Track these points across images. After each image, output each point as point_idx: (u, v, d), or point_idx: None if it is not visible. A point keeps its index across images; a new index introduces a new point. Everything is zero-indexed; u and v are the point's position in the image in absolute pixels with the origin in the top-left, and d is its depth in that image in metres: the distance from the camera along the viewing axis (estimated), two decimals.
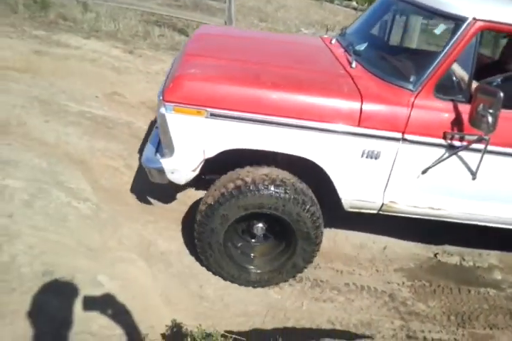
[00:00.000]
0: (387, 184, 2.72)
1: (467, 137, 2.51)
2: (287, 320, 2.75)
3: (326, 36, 3.77)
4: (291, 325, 2.72)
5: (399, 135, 2.52)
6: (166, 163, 2.60)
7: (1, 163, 2.89)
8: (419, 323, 2.89)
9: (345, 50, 3.12)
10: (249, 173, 2.66)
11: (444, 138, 2.53)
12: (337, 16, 12.15)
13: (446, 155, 2.58)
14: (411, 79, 2.55)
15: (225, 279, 2.90)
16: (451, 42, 2.45)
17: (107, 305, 2.12)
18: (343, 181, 2.69)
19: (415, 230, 3.60)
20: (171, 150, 2.58)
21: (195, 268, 2.91)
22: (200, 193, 3.38)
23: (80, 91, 4.65)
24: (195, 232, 2.73)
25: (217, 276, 2.90)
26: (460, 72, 2.61)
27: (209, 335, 1.98)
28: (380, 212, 2.89)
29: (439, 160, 2.60)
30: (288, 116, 2.48)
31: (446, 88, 2.57)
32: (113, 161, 3.58)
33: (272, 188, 2.57)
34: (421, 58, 2.91)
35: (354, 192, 2.75)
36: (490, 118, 2.25)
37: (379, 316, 2.89)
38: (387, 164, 2.63)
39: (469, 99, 2.47)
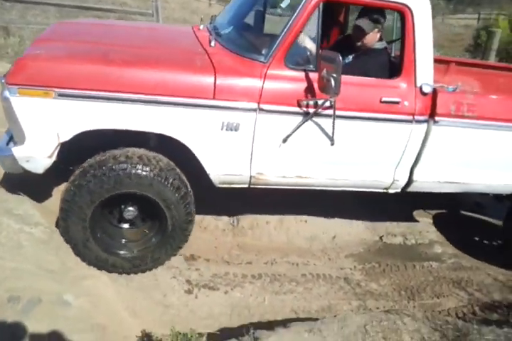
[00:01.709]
0: (251, 156, 2.78)
1: (318, 102, 2.68)
2: (252, 316, 2.88)
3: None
4: (256, 320, 2.85)
5: (255, 105, 2.62)
6: (18, 151, 2.48)
7: None
8: (374, 301, 3.12)
9: (210, 34, 3.21)
10: (105, 154, 2.61)
11: (299, 105, 2.68)
12: None
13: (302, 122, 2.70)
14: (262, 52, 2.71)
15: (99, 268, 2.79)
16: (295, 14, 2.64)
17: (78, 321, 2.16)
18: (208, 156, 2.71)
19: (360, 217, 3.86)
20: (22, 136, 2.46)
21: (156, 278, 2.96)
22: None
23: None
24: (60, 227, 2.68)
25: (179, 284, 2.98)
26: (309, 43, 2.76)
27: (185, 335, 2.07)
28: (252, 186, 2.95)
29: (297, 128, 2.72)
30: (139, 93, 2.45)
31: (297, 58, 2.74)
32: (58, 185, 3.55)
33: (120, 166, 2.54)
34: (272, 34, 3.07)
35: (220, 166, 2.78)
36: (333, 82, 2.43)
37: (337, 300, 3.09)
38: (247, 135, 2.69)
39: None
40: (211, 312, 2.86)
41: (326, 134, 2.78)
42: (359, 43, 3.10)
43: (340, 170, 2.99)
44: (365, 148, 2.93)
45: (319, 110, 2.68)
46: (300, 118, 2.71)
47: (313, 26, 2.67)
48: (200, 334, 2.30)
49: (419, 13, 2.78)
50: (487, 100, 3.10)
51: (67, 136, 2.52)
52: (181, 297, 2.91)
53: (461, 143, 3.01)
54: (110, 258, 2.79)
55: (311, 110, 2.69)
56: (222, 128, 2.63)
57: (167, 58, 2.67)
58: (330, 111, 2.66)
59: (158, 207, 2.70)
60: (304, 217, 3.74)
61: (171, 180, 2.65)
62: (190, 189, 2.81)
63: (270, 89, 2.64)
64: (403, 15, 2.80)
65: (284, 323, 2.48)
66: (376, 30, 3.03)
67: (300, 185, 3.03)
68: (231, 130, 2.64)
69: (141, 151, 2.69)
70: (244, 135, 2.69)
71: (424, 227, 4.00)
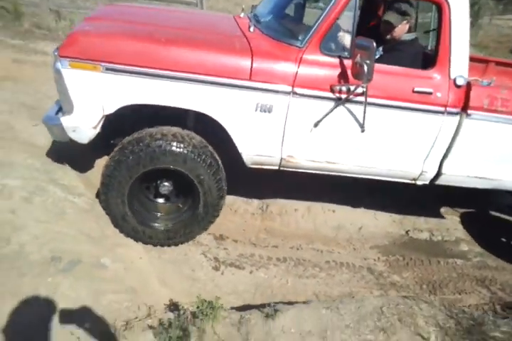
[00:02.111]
0: (283, 138, 2.86)
1: (350, 88, 2.71)
2: (274, 296, 2.99)
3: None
4: (278, 300, 2.95)
5: (288, 88, 2.69)
6: (66, 121, 2.66)
7: None
8: (395, 292, 3.17)
9: (249, 21, 3.31)
10: (142, 132, 2.78)
11: (331, 91, 2.74)
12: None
13: (334, 107, 2.77)
14: (299, 37, 2.78)
15: (136, 240, 2.98)
16: (332, 1, 2.69)
17: (112, 283, 2.33)
18: (241, 136, 2.82)
19: (387, 210, 3.91)
20: (70, 107, 2.63)
21: (186, 253, 3.13)
22: None
23: None
24: (100, 200, 2.87)
25: (208, 261, 3.13)
26: (345, 30, 2.83)
27: (210, 303, 2.20)
28: (282, 168, 3.03)
29: (328, 113, 2.78)
30: (180, 71, 2.58)
31: (332, 45, 2.81)
32: (101, 160, 3.75)
33: (156, 143, 2.68)
34: (310, 20, 3.12)
35: (253, 147, 2.88)
36: (366, 68, 2.48)
37: (358, 288, 3.16)
38: (280, 117, 2.77)
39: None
40: (236, 289, 2.99)
41: (357, 121, 2.84)
42: (388, 36, 3.13)
43: (370, 157, 3.04)
44: (395, 137, 2.96)
45: (351, 96, 2.74)
46: (332, 103, 2.77)
47: (349, 14, 2.73)
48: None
49: (456, 6, 2.78)
50: None
51: (111, 109, 2.69)
52: (208, 273, 3.05)
53: (492, 138, 3.00)
54: (147, 230, 2.96)
55: (343, 96, 2.75)
56: (256, 109, 2.73)
57: (208, 40, 2.80)
58: (362, 98, 2.71)
59: (192, 182, 2.84)
60: (332, 207, 3.82)
61: (203, 157, 2.78)
62: (221, 166, 2.93)
63: (304, 74, 2.72)
64: (440, 7, 2.81)
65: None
66: (405, 21, 3.06)
67: (329, 170, 3.09)
68: (264, 111, 2.74)
69: (175, 129, 2.83)
70: (277, 117, 2.78)
71: (451, 225, 4.01)
